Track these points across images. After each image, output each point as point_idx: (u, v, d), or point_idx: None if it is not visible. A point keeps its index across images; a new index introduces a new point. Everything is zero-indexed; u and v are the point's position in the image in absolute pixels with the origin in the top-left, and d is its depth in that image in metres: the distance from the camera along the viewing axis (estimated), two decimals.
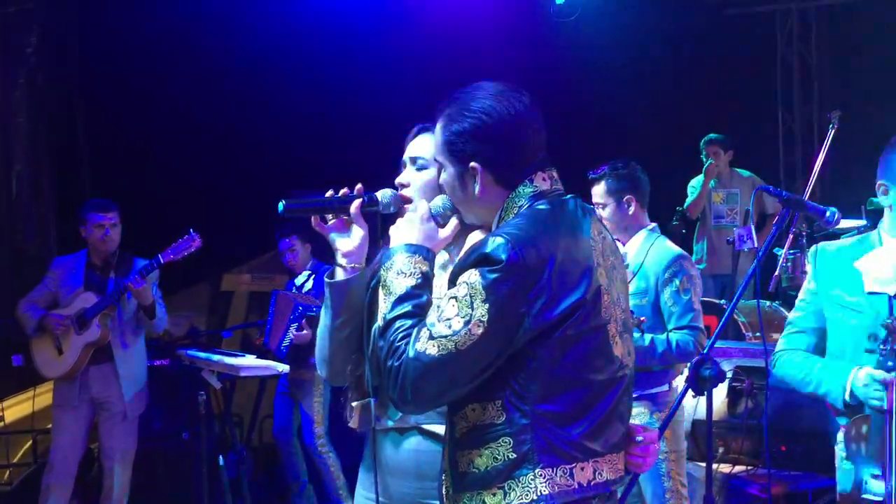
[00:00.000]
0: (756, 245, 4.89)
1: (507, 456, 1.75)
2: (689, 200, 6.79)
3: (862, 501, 2.60)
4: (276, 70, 7.34)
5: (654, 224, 3.79)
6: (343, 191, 1.99)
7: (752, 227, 4.45)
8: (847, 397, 2.66)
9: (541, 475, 1.74)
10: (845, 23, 8.44)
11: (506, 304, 1.71)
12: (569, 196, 1.91)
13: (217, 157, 7.33)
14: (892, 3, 7.82)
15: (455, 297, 1.74)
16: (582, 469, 1.77)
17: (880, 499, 2.55)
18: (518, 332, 1.73)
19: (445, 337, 1.71)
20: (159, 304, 4.86)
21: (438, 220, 1.93)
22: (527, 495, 1.74)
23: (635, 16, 7.95)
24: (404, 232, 1.90)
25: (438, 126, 1.91)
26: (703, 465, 4.38)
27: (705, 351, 2.59)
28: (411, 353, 1.72)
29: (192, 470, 5.21)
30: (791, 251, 5.35)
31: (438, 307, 1.76)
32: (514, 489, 1.75)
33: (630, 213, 3.69)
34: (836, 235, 5.78)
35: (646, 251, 3.65)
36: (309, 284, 5.47)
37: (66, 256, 5.02)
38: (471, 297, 1.72)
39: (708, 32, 8.39)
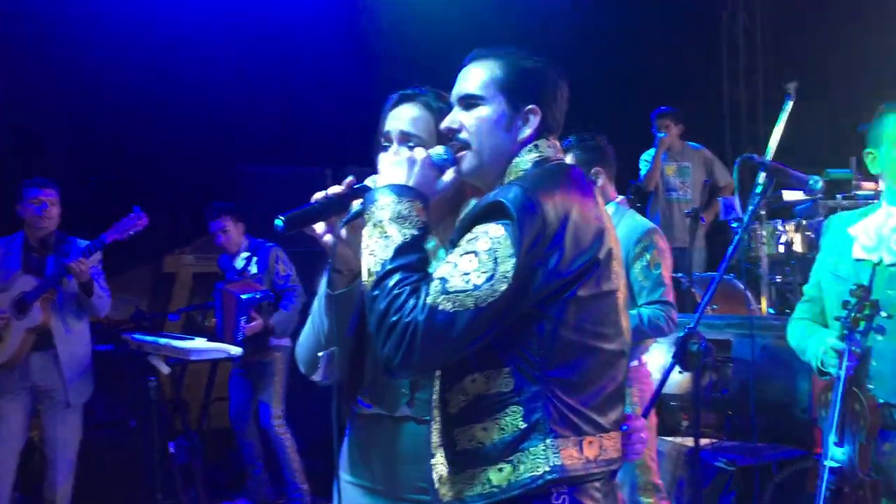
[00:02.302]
0: (741, 215, 4.86)
1: (517, 426, 1.65)
2: (642, 173, 6.79)
3: (823, 468, 2.59)
4: (219, 46, 7.09)
5: (622, 197, 3.73)
6: (332, 189, 1.82)
7: (737, 197, 4.38)
8: (819, 365, 2.67)
9: (552, 445, 1.65)
10: None
11: (526, 258, 1.61)
12: (571, 165, 1.86)
13: (154, 134, 7.07)
14: None
15: (474, 252, 1.61)
16: (590, 443, 1.69)
17: (838, 465, 2.55)
18: (530, 289, 1.63)
19: (464, 292, 1.58)
20: (102, 287, 4.67)
21: (437, 170, 1.77)
22: (537, 468, 1.64)
23: None
24: (400, 172, 1.73)
25: (493, 63, 1.81)
26: (669, 439, 4.39)
27: (693, 325, 2.53)
28: (422, 309, 1.57)
29: (140, 458, 5.04)
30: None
31: (449, 262, 1.63)
32: (523, 462, 1.65)
33: (598, 185, 3.61)
34: (788, 208, 5.85)
35: (615, 225, 3.57)
36: (253, 268, 5.30)
37: (1, 239, 4.76)
38: (495, 251, 1.60)
39: (652, 6, 8.37)
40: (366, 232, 1.68)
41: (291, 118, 7.32)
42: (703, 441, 4.33)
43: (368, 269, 1.65)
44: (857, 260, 2.65)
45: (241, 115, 7.18)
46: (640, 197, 6.61)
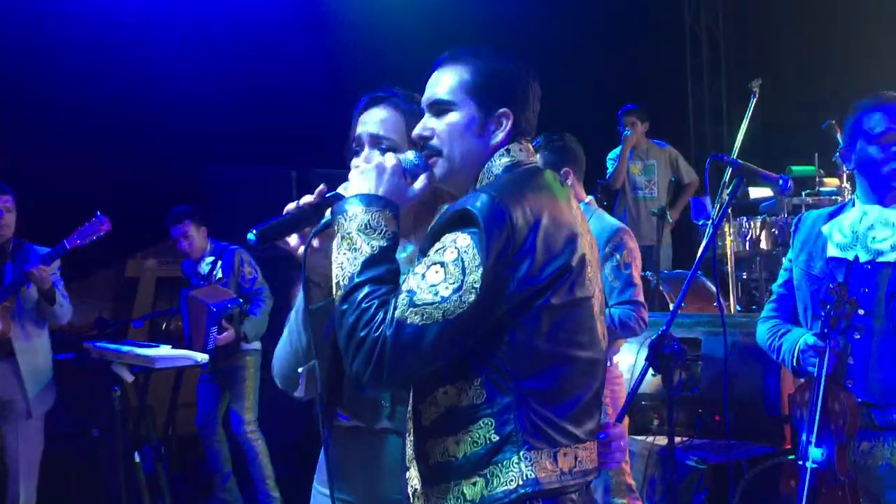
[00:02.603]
0: (712, 216, 4.86)
1: (489, 438, 1.62)
2: (609, 171, 6.79)
3: (801, 468, 2.58)
4: (183, 48, 6.97)
5: (590, 197, 3.72)
6: (304, 199, 1.76)
7: (708, 198, 4.37)
8: (795, 364, 2.67)
9: (525, 458, 1.62)
10: None
11: (495, 267, 1.58)
12: (545, 168, 1.82)
13: (113, 135, 6.93)
14: None
15: (441, 263, 1.58)
16: (565, 455, 1.66)
17: (816, 466, 2.54)
18: (501, 298, 1.59)
19: (431, 304, 1.56)
20: (63, 295, 4.57)
21: (407, 176, 1.74)
22: (511, 481, 1.61)
23: None
24: (369, 181, 1.70)
25: (462, 67, 1.76)
26: (640, 438, 4.39)
27: (665, 328, 2.51)
28: (390, 324, 1.55)
29: (105, 468, 4.93)
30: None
31: (416, 273, 1.60)
32: (496, 475, 1.62)
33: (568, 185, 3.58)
34: (753, 205, 5.89)
35: None
36: (219, 273, 5.21)
37: None
38: (462, 261, 1.57)
39: (615, 6, 8.39)
40: (335, 244, 1.65)
41: (255, 119, 7.21)
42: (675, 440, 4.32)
43: (337, 283, 1.62)
44: (832, 258, 2.64)
45: (204, 117, 7.06)
46: (606, 195, 6.62)
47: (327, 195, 1.77)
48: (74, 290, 4.87)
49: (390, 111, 1.91)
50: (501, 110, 1.75)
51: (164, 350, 4.60)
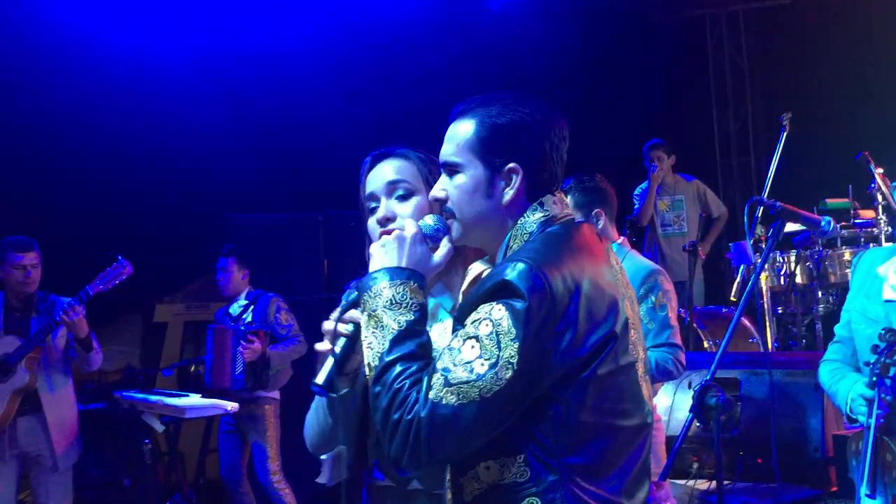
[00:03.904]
0: (754, 261, 4.76)
1: None
2: (637, 208, 6.71)
3: None
4: (207, 92, 7.02)
5: (622, 238, 3.64)
6: (329, 324, 1.71)
7: (749, 243, 4.27)
8: (848, 412, 2.57)
9: None
10: (774, 26, 8.54)
11: (536, 340, 1.50)
12: (580, 220, 1.72)
13: (138, 178, 6.96)
14: (818, 6, 7.93)
15: (476, 337, 1.51)
16: None
17: None
18: (543, 372, 1.51)
19: (467, 383, 1.48)
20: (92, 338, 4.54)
21: (429, 242, 1.69)
22: None
23: (563, 28, 7.88)
24: (391, 253, 1.65)
25: (470, 122, 1.68)
26: (680, 482, 4.28)
27: (709, 378, 2.43)
28: (425, 404, 1.48)
29: None
30: None
31: (451, 349, 1.53)
32: None
33: (600, 227, 3.52)
34: (787, 238, 5.79)
35: None
36: (249, 317, 5.21)
37: None
38: (497, 335, 1.49)
39: (638, 40, 8.37)
40: (363, 323, 1.60)
41: (283, 165, 7.24)
42: (715, 484, 4.21)
43: (368, 364, 1.57)
44: (888, 301, 2.54)
45: (230, 162, 7.10)
46: (634, 232, 6.52)
47: (350, 288, 1.72)
48: (102, 335, 4.86)
49: (399, 161, 1.87)
50: (510, 166, 1.66)
51: (194, 399, 4.58)
